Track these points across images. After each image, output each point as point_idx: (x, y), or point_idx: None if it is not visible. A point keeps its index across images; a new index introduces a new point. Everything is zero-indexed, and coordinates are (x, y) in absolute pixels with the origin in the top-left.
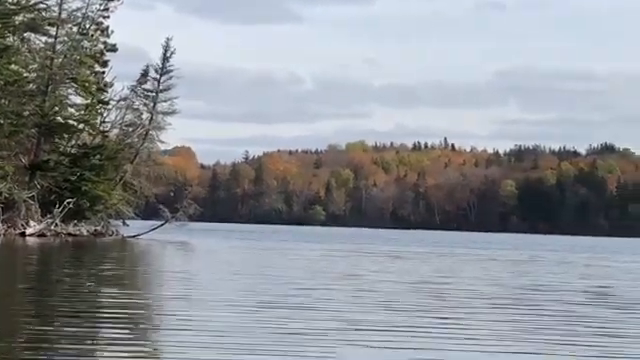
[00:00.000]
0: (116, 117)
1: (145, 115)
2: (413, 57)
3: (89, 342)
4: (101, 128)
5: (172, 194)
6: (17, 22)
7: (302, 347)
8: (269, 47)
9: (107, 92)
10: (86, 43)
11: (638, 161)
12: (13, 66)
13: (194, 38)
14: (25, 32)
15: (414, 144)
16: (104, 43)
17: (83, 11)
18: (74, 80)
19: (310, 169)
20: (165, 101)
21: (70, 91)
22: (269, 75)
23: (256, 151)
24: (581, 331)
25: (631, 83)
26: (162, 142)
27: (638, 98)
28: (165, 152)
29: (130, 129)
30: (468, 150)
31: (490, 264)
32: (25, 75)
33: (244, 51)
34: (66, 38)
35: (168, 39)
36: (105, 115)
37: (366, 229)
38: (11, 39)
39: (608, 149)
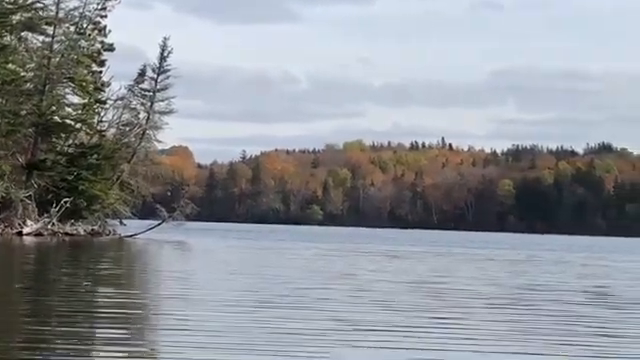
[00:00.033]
0: (113, 116)
1: (142, 114)
2: (410, 56)
3: (86, 342)
4: (98, 127)
5: (169, 194)
6: (14, 21)
7: (299, 347)
8: (267, 47)
9: (104, 91)
10: (83, 42)
11: (636, 161)
12: (10, 65)
13: (192, 37)
14: (22, 31)
15: (411, 144)
16: (101, 42)
17: (80, 10)
18: (71, 79)
19: (307, 168)
20: (162, 100)
21: (67, 90)
22: (266, 75)
23: (253, 150)
24: (578, 331)
25: (628, 83)
26: (159, 141)
27: (635, 98)
28: (162, 151)
29: (127, 128)
30: (465, 150)
31: (487, 264)
32: (22, 74)
33: (242, 51)
34: (63, 37)
35: (165, 38)
36: (102, 114)
37: (363, 228)
38: (8, 38)
39: (606, 149)
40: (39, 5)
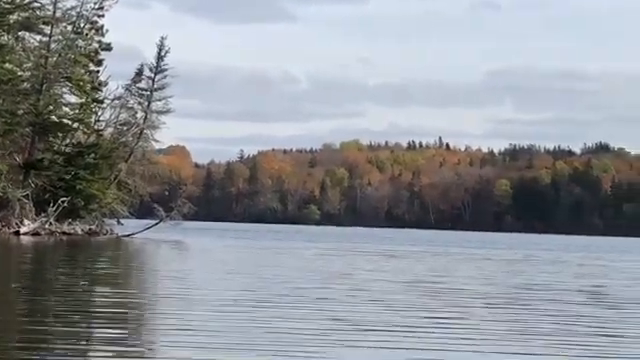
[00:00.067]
0: (110, 116)
1: (140, 114)
2: (408, 56)
3: (83, 341)
4: (95, 127)
5: (166, 193)
6: (11, 21)
7: (298, 347)
8: (264, 46)
9: (102, 91)
10: (81, 42)
11: (633, 160)
12: (7, 65)
13: (189, 37)
14: (19, 31)
15: (409, 143)
16: (99, 42)
17: (78, 10)
18: (68, 79)
19: (305, 168)
20: (160, 100)
21: (64, 90)
22: (264, 74)
23: (251, 150)
24: (574, 331)
25: (626, 83)
26: (156, 141)
27: (633, 97)
28: (160, 151)
29: (124, 128)
30: (463, 149)
31: (484, 263)
32: (19, 74)
33: (239, 50)
34: (61, 37)
35: (163, 38)
36: (99, 114)
37: (361, 228)
38: (5, 38)
39: (603, 148)
40: (36, 5)
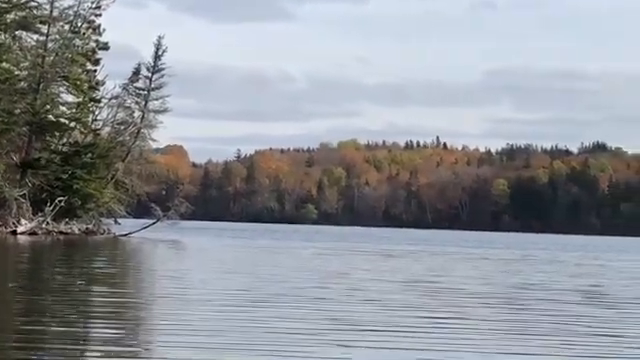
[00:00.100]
0: (108, 115)
1: (137, 113)
2: (405, 56)
3: (80, 341)
4: (93, 126)
5: (164, 192)
6: (8, 20)
7: (296, 347)
8: (261, 45)
9: (99, 90)
10: (78, 41)
11: (630, 160)
12: (4, 64)
13: (186, 36)
14: (16, 30)
15: (406, 143)
16: (96, 41)
17: (75, 9)
18: (66, 78)
19: (302, 167)
20: (157, 99)
21: (62, 89)
22: (261, 73)
23: (248, 149)
24: (573, 330)
25: (625, 82)
26: (154, 140)
27: (630, 97)
28: (157, 150)
29: (122, 127)
30: (460, 149)
31: (482, 263)
32: (16, 73)
33: (236, 49)
34: (58, 36)
35: (160, 37)
36: (97, 113)
37: (358, 227)
38: (2, 37)
39: (600, 148)
40: (33, 4)
